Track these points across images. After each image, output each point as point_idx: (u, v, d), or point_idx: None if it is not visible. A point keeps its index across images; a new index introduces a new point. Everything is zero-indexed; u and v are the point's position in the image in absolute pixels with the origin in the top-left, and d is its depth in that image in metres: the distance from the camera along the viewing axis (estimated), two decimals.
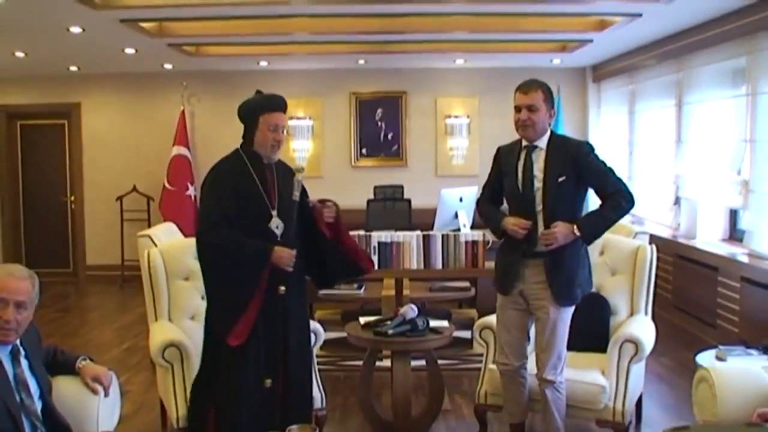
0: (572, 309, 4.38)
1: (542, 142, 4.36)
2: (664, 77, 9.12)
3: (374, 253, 5.84)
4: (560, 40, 9.26)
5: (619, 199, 4.25)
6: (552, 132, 4.42)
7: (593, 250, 5.33)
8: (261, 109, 4.12)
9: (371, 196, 9.24)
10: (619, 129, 10.75)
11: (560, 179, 4.28)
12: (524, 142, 4.41)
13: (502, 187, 4.54)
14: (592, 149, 4.38)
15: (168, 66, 10.73)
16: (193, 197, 10.89)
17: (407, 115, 11.60)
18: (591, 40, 8.81)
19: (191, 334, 4.91)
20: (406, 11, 7.41)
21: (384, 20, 7.82)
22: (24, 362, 3.33)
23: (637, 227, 6.67)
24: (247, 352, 4.00)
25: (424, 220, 6.95)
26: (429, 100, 11.61)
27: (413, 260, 5.86)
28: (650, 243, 5.43)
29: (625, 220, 9.13)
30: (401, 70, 11.40)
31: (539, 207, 4.31)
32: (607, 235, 5.42)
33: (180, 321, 5.00)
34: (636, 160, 10.19)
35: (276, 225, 4.12)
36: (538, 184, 4.33)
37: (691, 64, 8.33)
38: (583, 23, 8.15)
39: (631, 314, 5.11)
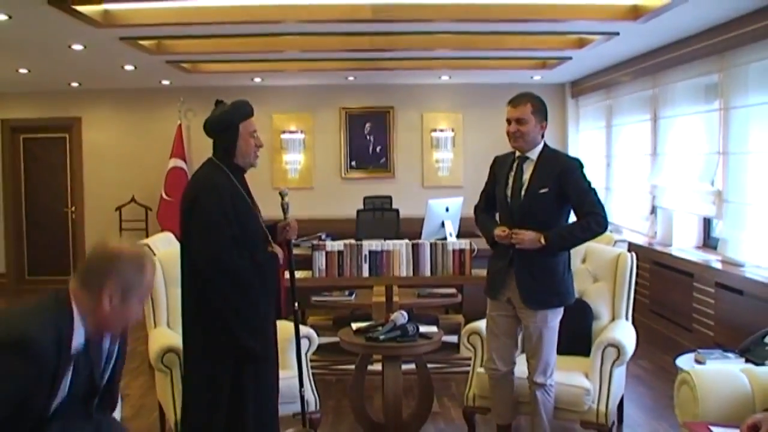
0: (558, 316, 4.35)
1: (533, 154, 4.35)
2: (640, 93, 9.12)
3: (365, 262, 5.81)
4: (540, 57, 9.26)
5: (590, 221, 4.20)
6: (545, 145, 4.40)
7: (575, 257, 5.32)
8: (240, 117, 3.98)
9: (361, 207, 9.20)
10: (597, 142, 10.75)
11: (542, 191, 4.26)
12: (517, 153, 4.40)
13: (494, 195, 4.52)
14: (581, 167, 4.35)
15: (166, 82, 10.68)
16: None
17: (395, 129, 11.57)
18: (570, 58, 8.81)
19: None
20: (393, 30, 7.38)
21: (372, 38, 7.79)
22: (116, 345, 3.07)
23: (617, 235, 6.66)
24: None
25: (411, 229, 6.92)
26: (415, 114, 11.59)
27: (403, 268, 5.83)
28: (629, 251, 5.41)
29: None
30: (389, 86, 11.38)
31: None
32: (589, 243, 5.42)
33: (178, 327, 4.92)
34: (614, 172, 10.19)
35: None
36: (523, 192, 4.32)
37: (665, 80, 8.33)
38: (563, 41, 8.15)
39: (613, 319, 5.08)
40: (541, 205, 4.27)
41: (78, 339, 2.53)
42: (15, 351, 2.33)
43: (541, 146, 4.38)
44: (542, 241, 4.19)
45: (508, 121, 4.35)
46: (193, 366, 3.98)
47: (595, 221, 4.21)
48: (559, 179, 4.26)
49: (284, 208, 4.29)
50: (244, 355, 3.85)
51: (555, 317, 4.35)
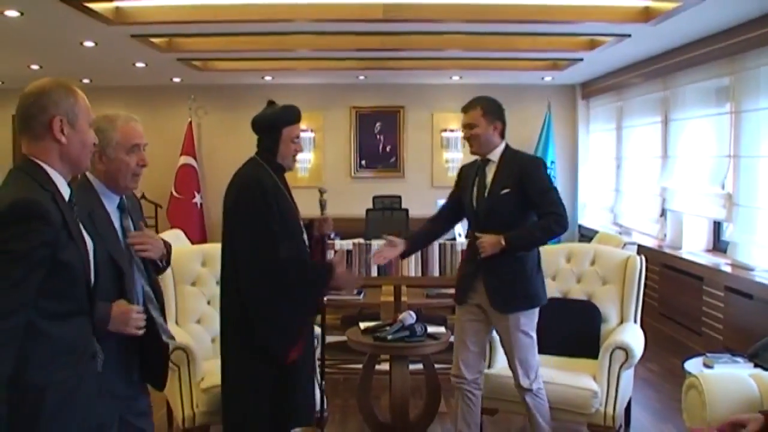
0: (533, 319, 4.33)
1: (494, 156, 4.35)
2: (651, 95, 9.10)
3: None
4: (552, 58, 9.24)
5: (550, 221, 4.18)
6: (507, 146, 4.39)
7: (584, 259, 5.31)
8: (284, 122, 4.03)
9: (370, 206, 9.17)
10: (607, 144, 10.73)
11: (503, 191, 4.25)
12: (480, 157, 4.41)
13: (458, 203, 4.56)
14: (543, 166, 4.37)
15: (177, 80, 10.71)
16: (199, 205, 10.86)
17: (405, 129, 11.57)
18: (581, 59, 8.79)
19: (197, 337, 4.89)
20: (404, 30, 7.38)
21: (383, 38, 7.79)
22: (129, 219, 3.22)
23: (626, 238, 6.64)
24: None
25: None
26: (425, 114, 11.58)
27: (411, 268, 5.84)
28: (638, 253, 5.39)
29: (614, 231, 9.13)
30: (399, 86, 11.38)
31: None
32: (598, 246, 5.42)
33: (187, 325, 4.97)
34: (624, 173, 10.16)
35: (305, 238, 4.12)
36: (486, 195, 4.32)
37: (677, 82, 8.31)
38: (574, 43, 8.13)
39: (621, 322, 5.06)
40: (504, 207, 4.25)
41: (64, 190, 2.53)
42: (27, 217, 2.32)
43: (501, 148, 4.37)
44: (503, 242, 4.17)
45: (462, 127, 4.43)
46: (233, 364, 3.98)
47: (554, 221, 4.17)
48: (519, 179, 4.24)
49: (322, 205, 4.48)
50: (265, 353, 3.88)
51: (528, 320, 4.30)
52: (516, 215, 4.26)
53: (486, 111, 4.34)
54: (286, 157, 4.04)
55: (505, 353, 4.40)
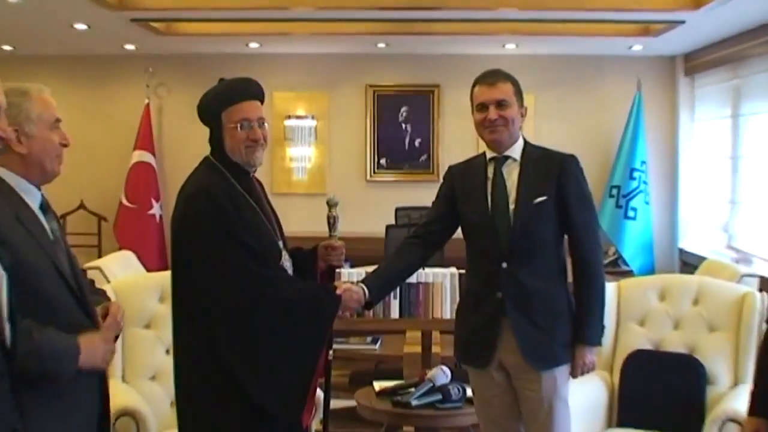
0: (569, 381, 4.31)
1: (515, 152, 4.35)
2: None
3: (395, 297, 5.81)
4: (642, 20, 9.23)
5: (594, 285, 4.27)
6: (525, 140, 4.40)
7: (684, 297, 5.30)
8: (221, 103, 3.97)
9: (392, 221, 9.20)
10: (719, 136, 10.66)
11: (538, 200, 4.21)
12: (489, 154, 4.39)
13: (451, 219, 4.54)
14: (582, 169, 4.35)
15: (130, 47, 10.77)
16: (158, 217, 10.88)
17: (440, 116, 11.55)
18: (683, 21, 8.77)
19: (152, 398, 4.92)
20: None
21: None
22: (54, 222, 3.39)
23: (744, 268, 6.62)
24: None
25: (460, 254, 6.88)
26: (469, 96, 11.55)
27: (446, 307, 5.84)
28: (760, 290, 5.37)
29: (728, 258, 9.08)
30: (433, 57, 11.39)
31: None
32: (704, 279, 5.39)
33: (137, 381, 5.01)
34: (741, 178, 10.09)
35: (285, 260, 4.10)
36: (512, 205, 4.27)
37: None
38: None
39: (735, 384, 5.04)
40: (540, 220, 4.23)
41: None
42: None
43: (521, 142, 4.39)
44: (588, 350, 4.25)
45: (483, 106, 4.33)
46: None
47: (598, 280, 4.29)
48: (558, 183, 4.24)
49: (330, 222, 4.40)
50: (256, 413, 3.85)
51: (565, 381, 4.28)
52: (552, 234, 4.27)
53: (517, 89, 4.36)
54: (236, 150, 3.95)
55: (527, 428, 4.35)
